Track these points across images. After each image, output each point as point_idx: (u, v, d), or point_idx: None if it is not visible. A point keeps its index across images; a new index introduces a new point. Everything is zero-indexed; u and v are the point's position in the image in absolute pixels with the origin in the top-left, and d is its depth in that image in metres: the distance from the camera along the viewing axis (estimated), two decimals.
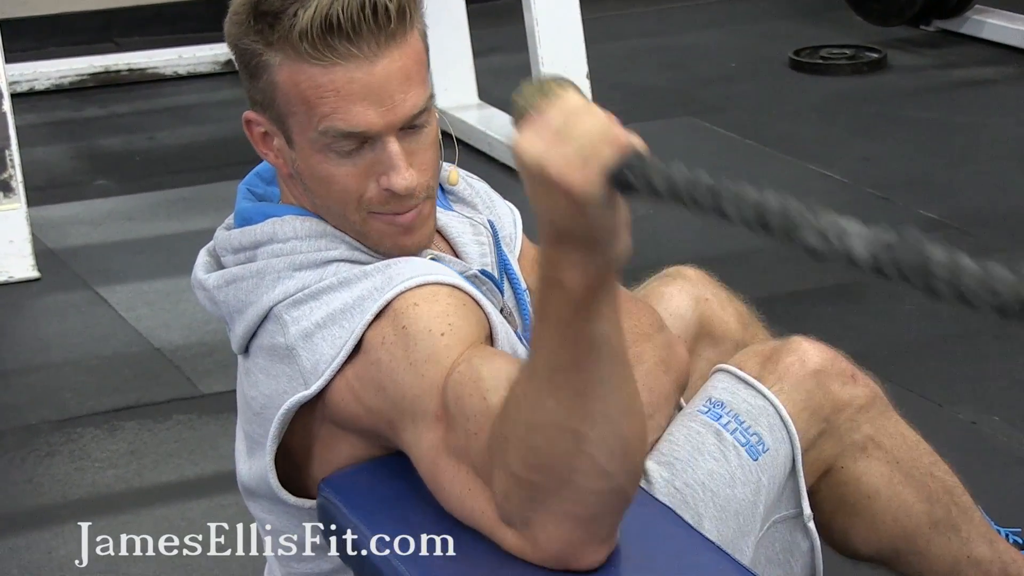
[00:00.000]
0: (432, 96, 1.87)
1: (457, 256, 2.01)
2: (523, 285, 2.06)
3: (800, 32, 6.16)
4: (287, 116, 1.85)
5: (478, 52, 5.19)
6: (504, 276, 2.04)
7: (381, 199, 1.86)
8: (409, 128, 1.84)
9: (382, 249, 1.90)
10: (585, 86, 4.53)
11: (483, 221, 2.05)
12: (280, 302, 1.87)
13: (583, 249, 1.49)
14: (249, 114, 1.90)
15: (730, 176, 1.34)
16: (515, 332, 1.95)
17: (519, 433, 1.60)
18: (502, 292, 2.01)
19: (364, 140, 1.83)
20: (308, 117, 1.83)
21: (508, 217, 2.12)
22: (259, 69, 1.84)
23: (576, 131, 1.45)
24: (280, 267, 1.89)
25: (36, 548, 3.00)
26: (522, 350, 1.89)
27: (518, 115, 1.51)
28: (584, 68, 4.56)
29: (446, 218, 2.02)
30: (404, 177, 1.84)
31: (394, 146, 1.84)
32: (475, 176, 2.14)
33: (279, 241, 1.90)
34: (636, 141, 1.44)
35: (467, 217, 2.05)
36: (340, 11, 1.77)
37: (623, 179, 1.42)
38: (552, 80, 1.53)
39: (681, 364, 2.08)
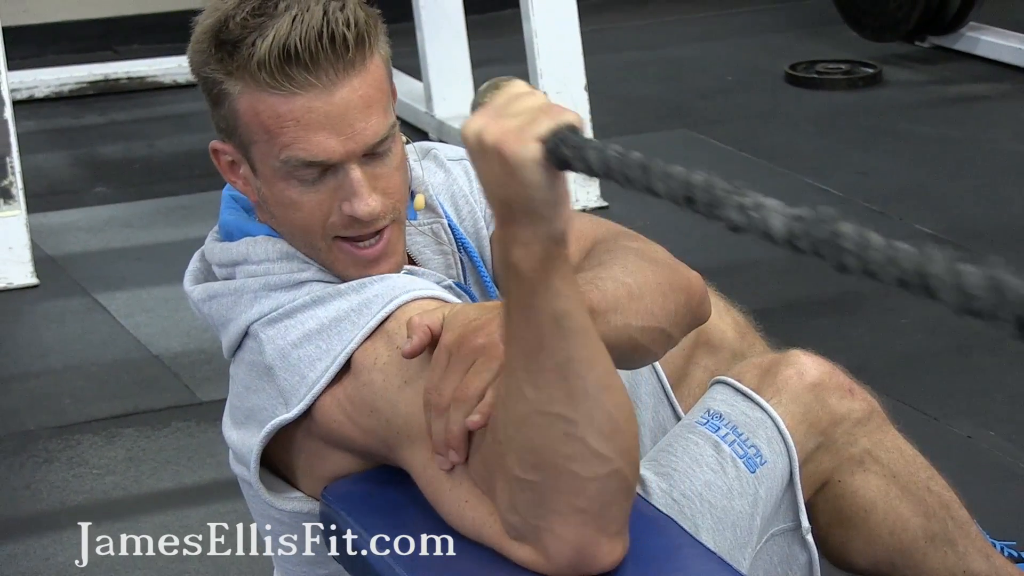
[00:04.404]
0: (395, 124, 1.87)
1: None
2: (495, 288, 2.08)
3: (796, 46, 6.17)
4: (250, 144, 1.86)
5: (476, 63, 5.20)
6: (477, 280, 2.05)
7: (345, 223, 1.87)
8: (372, 155, 1.85)
9: (349, 278, 1.90)
10: (583, 97, 4.54)
11: (445, 225, 2.06)
12: (256, 321, 1.89)
13: (527, 225, 1.53)
14: (215, 143, 1.91)
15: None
16: None
17: (509, 433, 1.62)
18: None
19: (327, 168, 1.84)
20: (270, 146, 1.83)
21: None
22: (221, 97, 1.85)
23: (515, 108, 1.53)
24: (255, 287, 1.91)
25: (34, 554, 3.01)
26: None
27: (473, 110, 1.62)
28: (582, 80, 4.56)
29: (408, 234, 2.03)
30: (367, 203, 1.84)
31: (356, 173, 1.84)
32: (443, 167, 2.10)
33: (253, 262, 1.92)
34: (572, 117, 1.51)
35: (428, 224, 2.05)
36: (298, 40, 1.77)
37: (559, 153, 1.49)
38: (504, 79, 1.65)
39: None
